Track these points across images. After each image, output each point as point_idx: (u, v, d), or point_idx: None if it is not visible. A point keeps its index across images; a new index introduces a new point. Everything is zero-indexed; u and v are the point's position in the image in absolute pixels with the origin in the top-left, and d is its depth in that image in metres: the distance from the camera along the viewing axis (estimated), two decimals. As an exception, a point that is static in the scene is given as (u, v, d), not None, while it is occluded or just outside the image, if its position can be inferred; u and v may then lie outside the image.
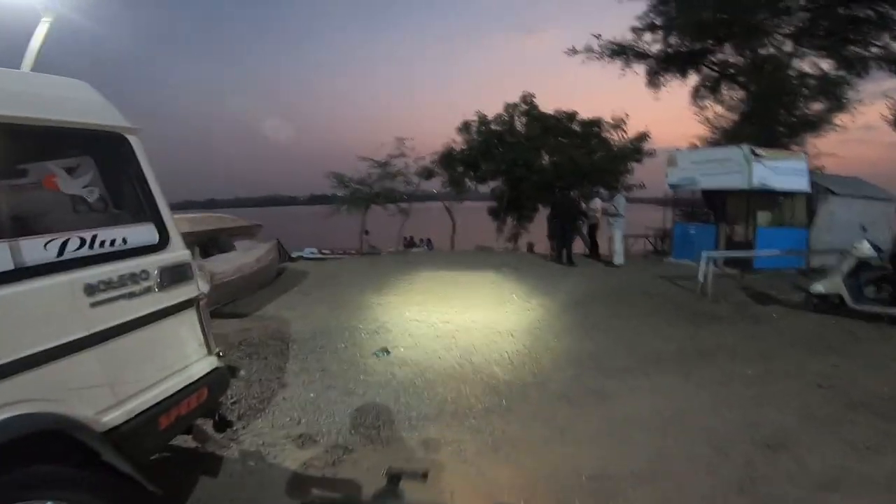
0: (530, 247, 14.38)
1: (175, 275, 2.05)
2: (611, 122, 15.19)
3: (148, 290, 1.90)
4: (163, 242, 2.03)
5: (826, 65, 14.35)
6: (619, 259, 9.71)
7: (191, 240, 4.65)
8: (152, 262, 1.94)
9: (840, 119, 14.47)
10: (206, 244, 6.99)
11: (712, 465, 2.66)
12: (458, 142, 15.45)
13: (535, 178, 14.33)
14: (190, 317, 2.13)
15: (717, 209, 10.60)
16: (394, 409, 3.38)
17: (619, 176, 14.72)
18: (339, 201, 15.46)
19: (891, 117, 16.10)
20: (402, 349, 4.61)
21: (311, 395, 3.58)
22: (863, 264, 5.97)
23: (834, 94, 14.09)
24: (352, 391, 3.66)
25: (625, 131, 15.19)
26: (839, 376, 3.98)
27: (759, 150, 9.45)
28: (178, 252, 2.09)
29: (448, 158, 15.21)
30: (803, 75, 14.43)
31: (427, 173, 15.49)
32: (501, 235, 15.99)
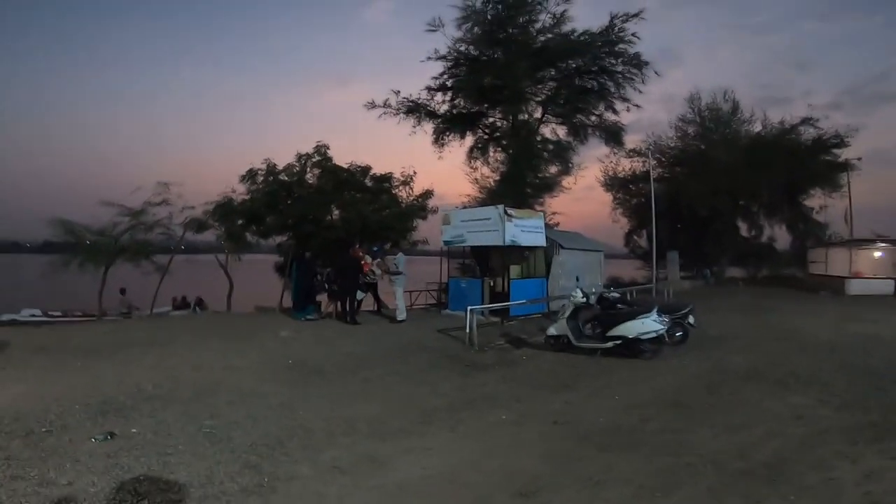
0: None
1: None
2: (401, 178, 15.46)
3: None
4: None
5: (561, 132, 18.33)
6: (401, 315, 10.08)
7: None
8: None
9: (567, 181, 18.61)
10: None
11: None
12: (240, 192, 13.97)
13: (325, 234, 13.86)
14: None
15: (483, 264, 12.11)
16: (117, 498, 2.77)
17: (406, 233, 15.25)
18: (71, 253, 12.24)
19: (603, 179, 22.55)
20: (134, 431, 3.83)
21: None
22: (579, 308, 7.55)
23: (563, 159, 18.09)
24: (52, 481, 2.92)
25: (412, 188, 15.95)
26: (571, 412, 4.70)
27: (510, 211, 10.99)
28: None
29: (225, 209, 13.54)
30: (545, 140, 18.07)
31: (198, 225, 13.53)
32: (289, 293, 14.84)
